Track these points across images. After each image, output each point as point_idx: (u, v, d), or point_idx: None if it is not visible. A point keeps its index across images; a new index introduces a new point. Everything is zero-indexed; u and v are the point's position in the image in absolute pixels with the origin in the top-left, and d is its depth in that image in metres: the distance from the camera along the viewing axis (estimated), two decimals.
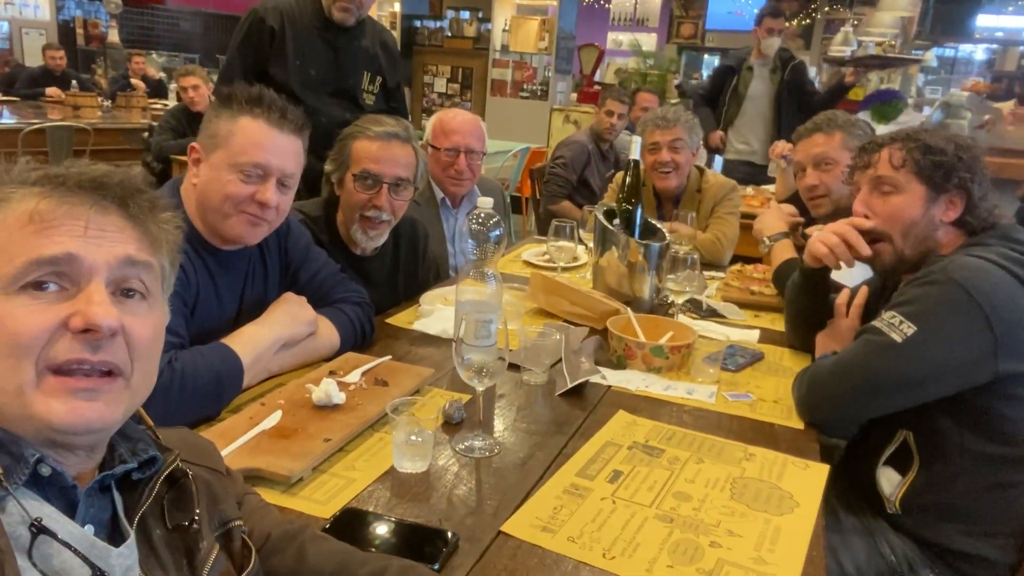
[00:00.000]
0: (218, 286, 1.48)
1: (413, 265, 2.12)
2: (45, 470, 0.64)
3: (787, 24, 4.83)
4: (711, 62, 15.75)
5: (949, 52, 11.34)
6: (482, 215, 1.60)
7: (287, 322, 1.48)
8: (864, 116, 4.78)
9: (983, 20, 8.23)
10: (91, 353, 0.65)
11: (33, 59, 8.79)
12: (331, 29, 2.55)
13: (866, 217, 1.49)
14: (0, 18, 9.75)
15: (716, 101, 4.98)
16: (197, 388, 1.23)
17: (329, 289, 1.66)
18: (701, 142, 2.77)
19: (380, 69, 2.74)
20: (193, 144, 1.45)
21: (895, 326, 1.32)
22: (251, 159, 1.39)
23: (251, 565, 0.78)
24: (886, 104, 5.48)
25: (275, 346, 1.43)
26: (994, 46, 10.80)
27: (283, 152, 1.42)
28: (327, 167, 1.91)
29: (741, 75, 4.86)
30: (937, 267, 1.34)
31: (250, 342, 1.38)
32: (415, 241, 2.12)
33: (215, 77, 4.13)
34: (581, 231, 2.43)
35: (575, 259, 2.44)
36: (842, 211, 2.09)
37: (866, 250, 1.52)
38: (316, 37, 2.55)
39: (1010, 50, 10.64)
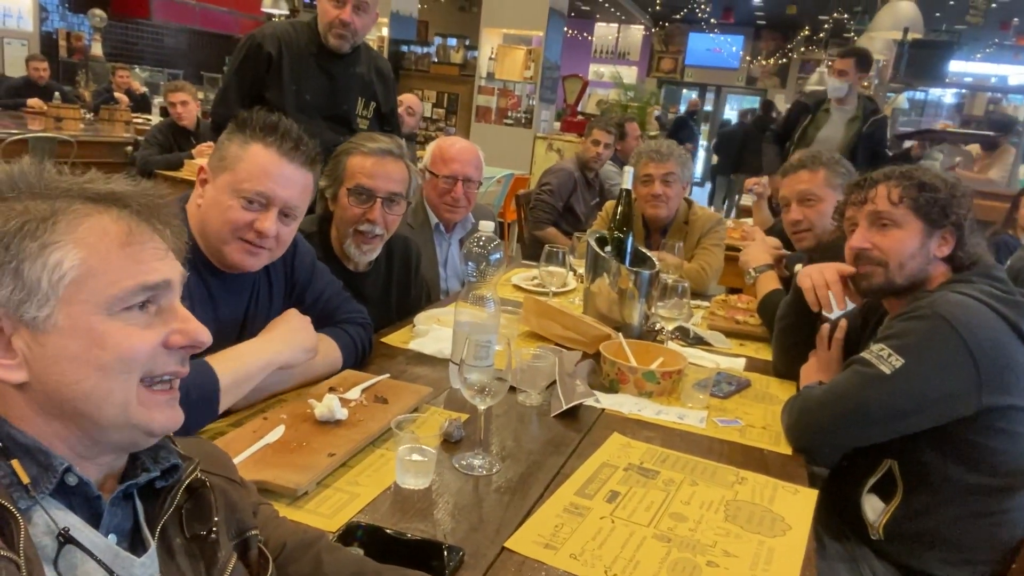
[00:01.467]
0: (218, 307, 1.47)
1: (406, 281, 2.14)
2: (72, 480, 0.65)
3: (862, 74, 4.50)
4: (689, 96, 16.11)
5: (920, 95, 11.71)
6: (483, 238, 1.63)
7: (284, 347, 1.40)
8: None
9: (954, 66, 8.53)
10: (181, 365, 0.71)
11: (15, 70, 8.70)
12: (327, 56, 2.63)
13: (867, 249, 1.53)
14: None
15: (787, 141, 4.71)
16: None
17: (334, 309, 1.67)
18: (692, 176, 2.85)
19: (374, 95, 2.81)
20: (202, 164, 1.45)
21: (884, 358, 1.37)
22: (254, 187, 1.37)
23: (268, 574, 0.79)
24: None
25: (267, 370, 1.35)
26: (963, 91, 11.19)
27: (289, 183, 1.41)
28: (321, 183, 1.94)
29: (816, 116, 4.59)
30: (924, 302, 1.40)
31: (235, 361, 1.30)
32: (408, 257, 2.14)
33: (201, 95, 4.18)
34: (571, 257, 2.47)
35: (565, 284, 2.48)
36: (825, 245, 2.16)
37: (840, 306, 1.63)
38: (312, 63, 2.62)
39: (978, 95, 11.02)
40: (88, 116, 6.87)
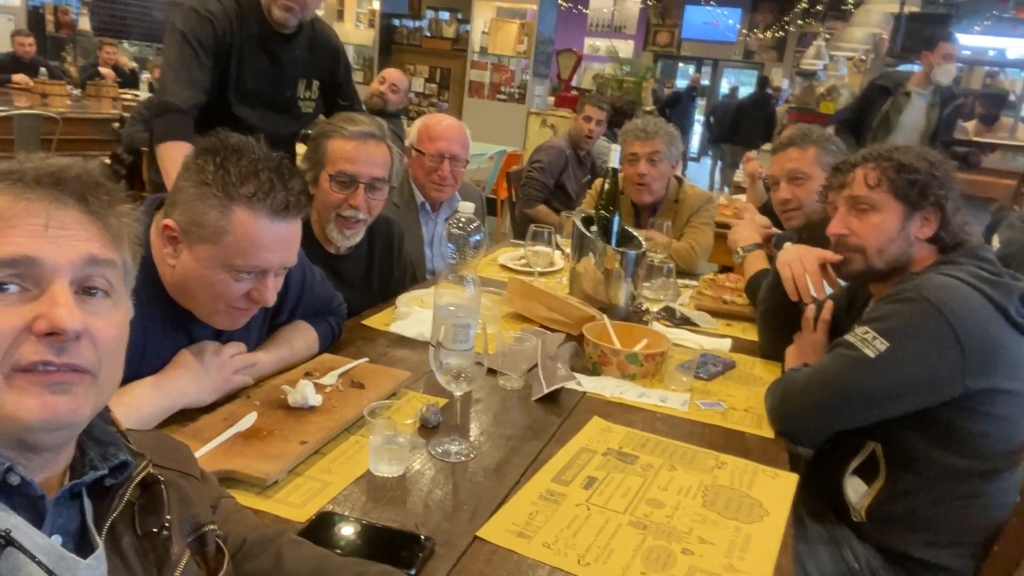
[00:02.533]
0: (188, 343, 1.33)
1: (388, 264, 2.11)
2: (14, 479, 0.62)
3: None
4: (686, 70, 15.93)
5: (917, 68, 11.61)
6: (463, 219, 1.61)
7: (191, 388, 1.25)
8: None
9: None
10: (55, 355, 0.64)
11: (0, 45, 8.58)
12: (271, 35, 2.28)
13: (845, 235, 1.51)
14: None
15: (862, 127, 4.36)
16: None
17: (322, 308, 1.63)
18: (681, 154, 2.80)
19: (315, 71, 2.48)
20: (167, 222, 1.22)
21: (868, 341, 1.35)
22: (248, 262, 1.21)
23: (223, 570, 0.77)
24: None
25: (167, 414, 1.22)
26: (960, 64, 11.07)
27: (285, 244, 1.25)
28: (301, 166, 1.89)
29: (895, 99, 4.29)
30: (910, 285, 1.37)
31: (132, 408, 1.15)
32: (390, 239, 2.11)
33: None
34: (558, 237, 2.44)
35: (552, 264, 2.45)
36: (813, 224, 2.13)
37: (819, 295, 1.62)
38: (255, 45, 2.28)
39: (976, 68, 10.91)
40: (75, 92, 6.77)
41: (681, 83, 15.50)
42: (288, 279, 1.48)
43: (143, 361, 1.23)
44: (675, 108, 10.35)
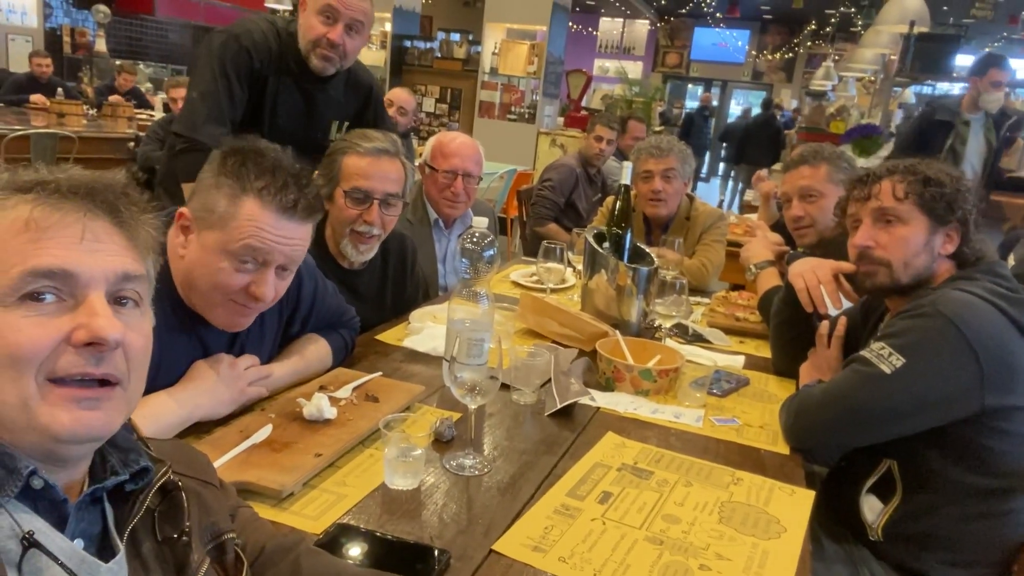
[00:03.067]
0: (208, 351, 1.34)
1: (402, 279, 2.12)
2: (37, 483, 0.63)
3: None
4: (695, 91, 16.02)
5: (927, 89, 11.62)
6: (476, 235, 1.61)
7: (206, 401, 1.25)
8: (845, 149, 4.88)
9: (962, 60, 8.47)
10: (95, 366, 0.65)
11: (19, 66, 8.72)
12: (308, 76, 2.25)
13: (870, 247, 1.50)
14: None
15: None
16: None
17: (334, 321, 1.64)
18: (693, 172, 2.81)
19: (348, 112, 2.47)
20: (182, 210, 1.26)
21: (884, 357, 1.34)
22: (249, 248, 1.22)
23: None
24: (866, 139, 5.61)
25: (183, 426, 1.22)
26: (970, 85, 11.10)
27: (288, 240, 1.25)
28: (316, 181, 1.89)
29: (957, 130, 4.19)
30: (927, 300, 1.37)
31: (150, 419, 1.15)
32: (403, 255, 2.12)
33: None
34: (570, 253, 2.45)
35: (564, 281, 2.45)
36: (826, 241, 2.13)
37: (835, 306, 1.60)
38: (290, 83, 2.26)
39: None
40: (91, 112, 6.86)
41: (691, 103, 15.57)
42: (300, 290, 1.51)
43: (159, 368, 1.23)
44: (691, 130, 10.42)
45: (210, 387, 1.27)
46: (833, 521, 1.52)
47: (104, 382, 0.66)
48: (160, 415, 1.19)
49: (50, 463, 0.66)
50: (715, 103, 15.34)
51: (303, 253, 1.32)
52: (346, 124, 2.46)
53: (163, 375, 1.25)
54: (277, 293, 1.29)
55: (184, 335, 1.30)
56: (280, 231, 1.23)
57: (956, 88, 11.32)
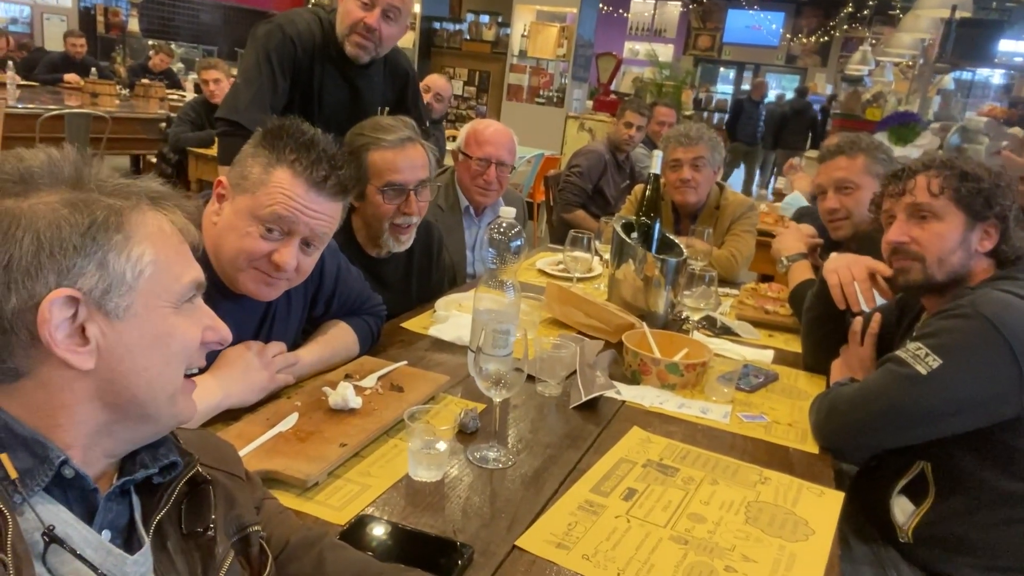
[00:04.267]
0: (234, 325, 1.37)
1: (427, 267, 2.12)
2: (68, 472, 0.63)
3: None
4: (727, 75, 15.75)
5: (967, 75, 11.31)
6: (504, 224, 1.60)
7: (236, 388, 1.26)
8: (881, 137, 4.77)
9: (1004, 45, 8.21)
10: (203, 361, 0.75)
11: (53, 45, 8.84)
12: (348, 65, 2.27)
13: (905, 243, 1.47)
14: (22, 3, 9.82)
15: None
16: None
17: (358, 307, 1.64)
18: (722, 159, 2.76)
19: (390, 100, 2.49)
20: (220, 178, 1.32)
21: (920, 358, 1.31)
22: (274, 214, 1.25)
23: (267, 571, 0.78)
24: (903, 126, 5.48)
25: (214, 413, 1.23)
26: (1012, 71, 10.76)
27: (315, 214, 1.28)
28: None
29: None
30: (965, 300, 1.33)
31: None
32: (429, 243, 2.11)
33: (235, 70, 4.03)
34: (597, 242, 2.42)
35: (590, 270, 2.43)
36: (862, 235, 2.08)
37: (869, 304, 1.58)
38: (333, 71, 2.28)
39: None
40: (123, 92, 6.94)
41: (723, 88, 15.31)
42: (323, 270, 1.52)
43: None
44: (740, 118, 10.10)
45: (239, 375, 1.28)
46: (862, 521, 1.49)
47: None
48: (199, 398, 1.18)
49: (94, 452, 0.67)
50: (746, 87, 15.09)
51: (329, 231, 1.34)
52: (387, 110, 2.47)
53: None
54: (301, 267, 1.32)
55: (213, 308, 1.31)
56: (307, 203, 1.26)
57: (997, 75, 11.02)
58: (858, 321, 1.65)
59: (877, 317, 1.64)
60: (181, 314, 0.70)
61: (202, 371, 1.23)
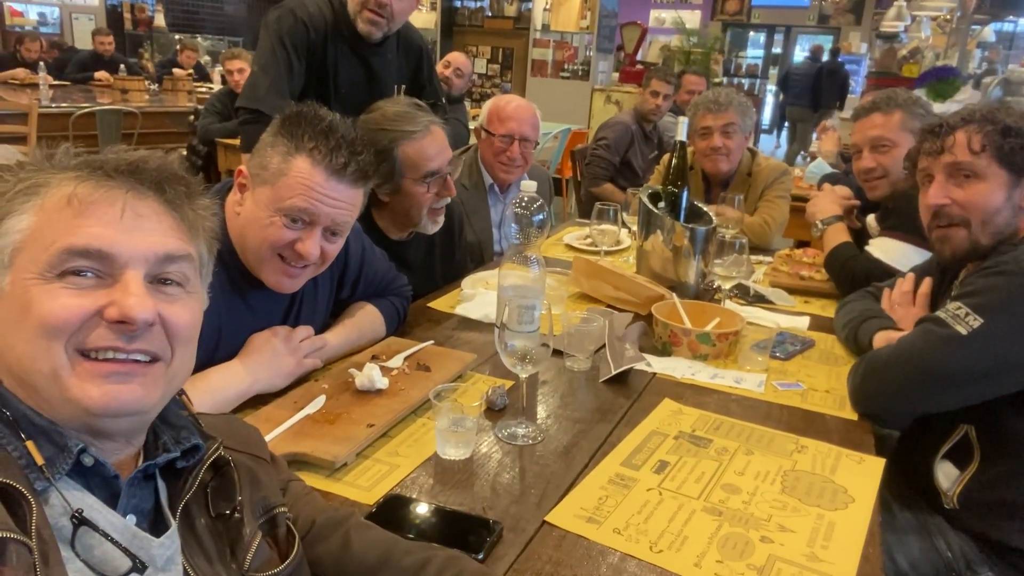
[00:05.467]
0: (257, 319, 1.36)
1: (449, 246, 2.10)
2: (88, 460, 0.64)
3: None
4: (757, 39, 15.35)
5: (1008, 27, 10.86)
6: (526, 199, 1.58)
7: (263, 373, 1.27)
8: (920, 93, 4.61)
9: None
10: (126, 342, 0.65)
11: (82, 43, 8.98)
12: (364, 43, 2.28)
13: (946, 205, 1.40)
14: (51, 3, 9.97)
15: None
16: None
17: (384, 288, 1.64)
18: (753, 124, 2.69)
19: (404, 75, 2.50)
20: (240, 167, 1.32)
21: (960, 318, 1.26)
22: (296, 205, 1.24)
23: (295, 552, 0.78)
24: (943, 81, 5.29)
25: (240, 400, 1.24)
26: None
27: (336, 202, 1.27)
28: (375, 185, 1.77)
29: None
30: (1008, 257, 1.27)
31: (206, 393, 1.17)
32: (450, 222, 2.09)
33: None
34: (624, 214, 2.38)
35: (618, 243, 2.39)
36: (899, 194, 2.01)
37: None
38: (347, 51, 2.29)
39: None
40: (152, 87, 7.03)
41: (753, 52, 14.93)
42: (348, 254, 1.52)
43: (220, 331, 1.27)
44: (835, 78, 9.77)
45: (268, 360, 1.29)
46: (905, 488, 1.45)
47: (146, 354, 0.67)
48: (218, 389, 1.21)
49: (98, 439, 0.67)
50: (778, 50, 14.70)
51: (351, 218, 1.33)
52: (403, 88, 2.47)
53: (225, 336, 1.28)
54: (325, 255, 1.31)
55: (241, 296, 1.34)
56: (328, 191, 1.25)
57: None
58: (910, 279, 1.59)
59: (927, 280, 1.58)
60: (54, 285, 0.63)
61: (229, 358, 1.28)
